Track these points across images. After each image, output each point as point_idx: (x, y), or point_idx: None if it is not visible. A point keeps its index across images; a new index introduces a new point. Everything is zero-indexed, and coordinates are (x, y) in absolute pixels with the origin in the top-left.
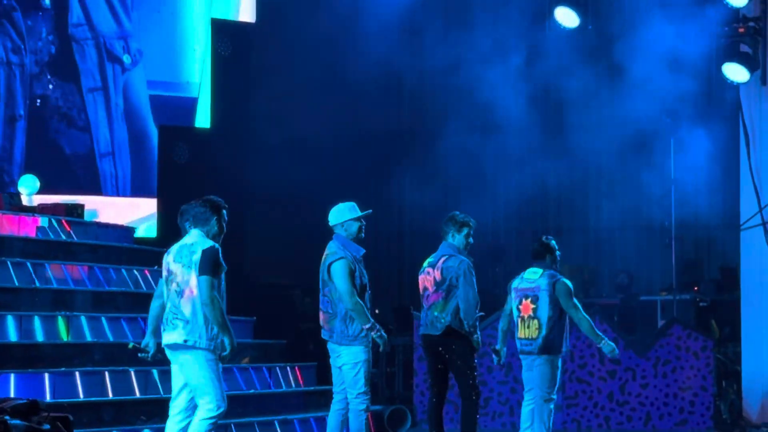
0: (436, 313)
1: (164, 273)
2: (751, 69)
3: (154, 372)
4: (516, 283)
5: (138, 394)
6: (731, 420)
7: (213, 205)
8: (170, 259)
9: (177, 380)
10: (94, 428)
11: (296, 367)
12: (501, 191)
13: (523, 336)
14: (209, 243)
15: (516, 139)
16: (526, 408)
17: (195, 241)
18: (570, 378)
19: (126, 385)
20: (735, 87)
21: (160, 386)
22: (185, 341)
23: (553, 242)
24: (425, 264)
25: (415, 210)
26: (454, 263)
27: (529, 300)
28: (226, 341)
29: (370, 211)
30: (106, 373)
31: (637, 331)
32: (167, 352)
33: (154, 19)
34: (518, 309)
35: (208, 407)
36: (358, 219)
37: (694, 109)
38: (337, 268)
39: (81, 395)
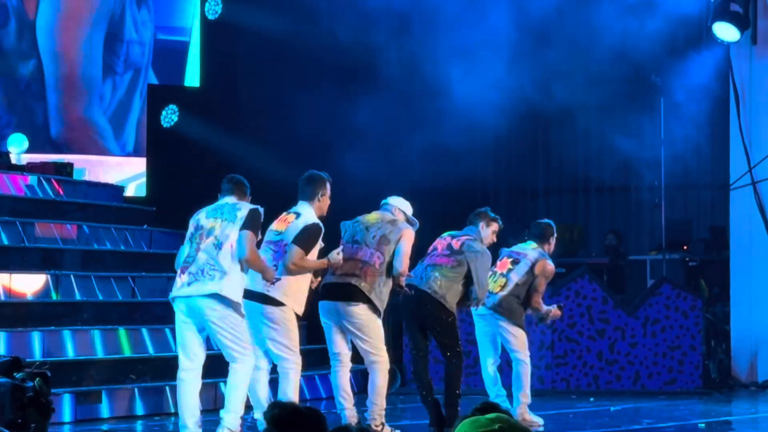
0: (437, 274)
1: (190, 230)
2: (742, 28)
3: (144, 331)
4: (509, 249)
5: (127, 353)
6: (720, 379)
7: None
8: (201, 217)
9: (190, 338)
10: (83, 387)
11: None
12: (490, 151)
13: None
14: (254, 205)
15: (504, 98)
16: (490, 368)
17: (237, 202)
18: (559, 337)
19: (115, 344)
20: (725, 46)
21: (149, 345)
22: (221, 290)
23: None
24: (445, 234)
25: (416, 173)
26: (478, 248)
27: (510, 260)
28: None
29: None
30: (96, 332)
31: (626, 290)
32: (187, 303)
33: None
34: (496, 264)
35: (248, 363)
36: None
37: (684, 68)
38: (411, 237)
39: (70, 354)
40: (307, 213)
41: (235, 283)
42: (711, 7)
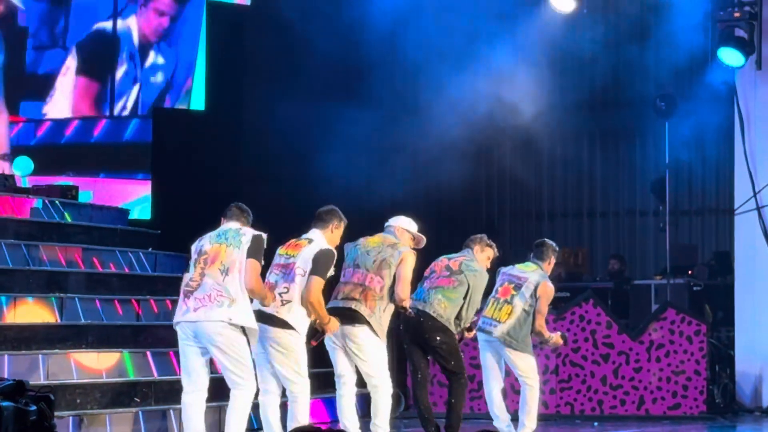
0: (440, 296)
1: (194, 257)
2: (747, 53)
3: (148, 354)
4: (507, 269)
5: (131, 376)
6: (724, 404)
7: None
8: (204, 242)
9: (194, 360)
10: (87, 410)
11: None
12: (494, 174)
13: (490, 315)
14: (257, 231)
15: (508, 121)
16: (496, 394)
17: (241, 227)
18: (563, 362)
19: (119, 367)
20: (730, 71)
21: (154, 368)
22: (230, 319)
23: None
24: (441, 256)
25: (419, 195)
26: (477, 268)
27: (512, 286)
28: None
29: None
30: (100, 355)
31: (630, 315)
32: (194, 328)
33: None
34: (497, 290)
35: (249, 390)
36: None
37: (689, 93)
38: (411, 260)
39: (75, 377)
40: (319, 239)
41: (243, 308)
42: (716, 32)
